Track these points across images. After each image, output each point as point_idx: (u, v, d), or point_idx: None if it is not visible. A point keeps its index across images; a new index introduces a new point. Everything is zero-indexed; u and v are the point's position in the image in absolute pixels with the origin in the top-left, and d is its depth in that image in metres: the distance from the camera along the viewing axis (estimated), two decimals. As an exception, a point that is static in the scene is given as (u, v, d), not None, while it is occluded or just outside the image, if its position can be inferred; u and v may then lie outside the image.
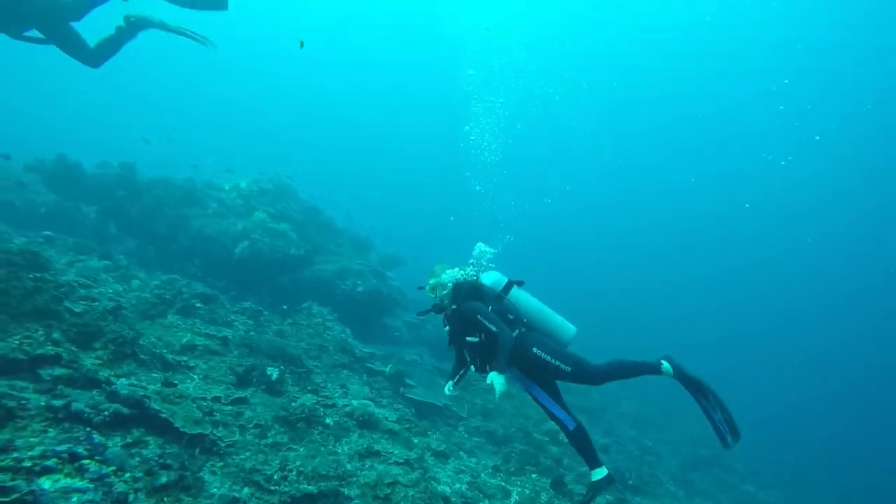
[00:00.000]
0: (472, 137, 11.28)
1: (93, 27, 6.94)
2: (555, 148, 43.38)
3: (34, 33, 6.66)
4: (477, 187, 9.89)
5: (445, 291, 4.28)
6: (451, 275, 4.38)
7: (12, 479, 3.06)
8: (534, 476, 7.62)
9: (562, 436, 10.02)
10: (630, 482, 9.37)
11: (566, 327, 4.28)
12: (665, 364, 4.04)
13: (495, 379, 3.67)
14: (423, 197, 49.32)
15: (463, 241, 5.00)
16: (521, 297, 4.32)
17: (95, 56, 7.11)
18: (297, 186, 14.49)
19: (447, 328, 4.33)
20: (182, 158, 18.67)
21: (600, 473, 3.91)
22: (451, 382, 4.42)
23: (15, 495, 2.91)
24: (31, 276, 5.54)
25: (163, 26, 7.21)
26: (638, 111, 46.65)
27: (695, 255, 50.74)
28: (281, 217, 12.32)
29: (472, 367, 4.22)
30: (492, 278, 4.38)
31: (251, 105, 53.41)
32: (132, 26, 7.11)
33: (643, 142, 48.47)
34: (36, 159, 10.81)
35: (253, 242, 10.99)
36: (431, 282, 4.37)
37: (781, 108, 37.21)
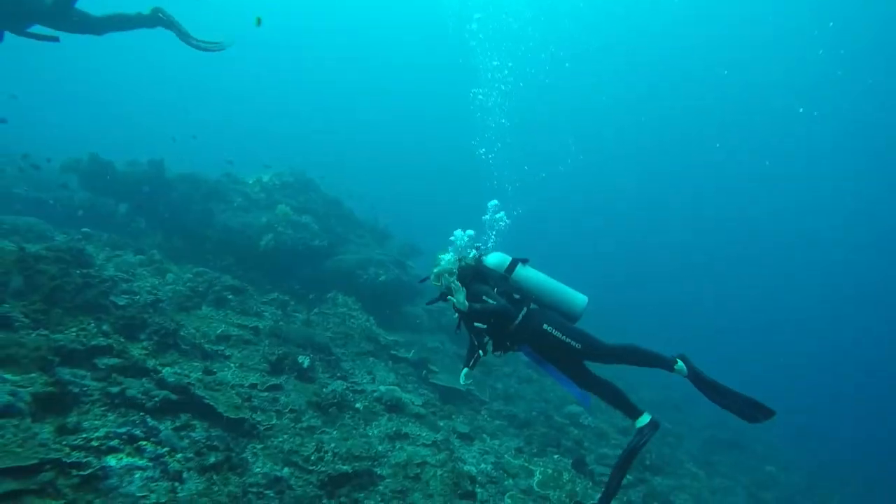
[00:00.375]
0: (480, 96, 11.29)
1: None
2: (567, 117, 41.55)
3: (39, 29, 6.48)
4: (481, 151, 9.74)
5: (450, 279, 4.19)
6: (456, 249, 4.36)
7: (85, 457, 3.40)
8: (556, 457, 7.86)
9: (582, 419, 10.29)
10: (648, 462, 9.56)
11: (576, 298, 4.20)
12: (680, 363, 3.97)
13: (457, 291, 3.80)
14: (425, 177, 48.70)
15: (469, 220, 4.97)
16: (527, 274, 4.27)
17: (101, 26, 6.89)
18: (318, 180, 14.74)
19: (456, 315, 4.29)
20: (207, 155, 19.03)
21: (644, 420, 3.85)
22: (466, 370, 4.43)
23: (90, 470, 3.25)
24: (79, 272, 5.91)
25: (186, 38, 7.08)
26: (652, 73, 44.15)
27: (710, 236, 49.65)
28: (303, 209, 12.62)
29: (481, 353, 4.21)
30: (495, 259, 4.34)
31: (254, 98, 53.54)
32: (156, 21, 6.99)
33: (658, 107, 45.83)
34: (72, 159, 11.26)
35: (277, 235, 11.31)
36: (435, 270, 4.33)
37: (821, 52, 33.59)
